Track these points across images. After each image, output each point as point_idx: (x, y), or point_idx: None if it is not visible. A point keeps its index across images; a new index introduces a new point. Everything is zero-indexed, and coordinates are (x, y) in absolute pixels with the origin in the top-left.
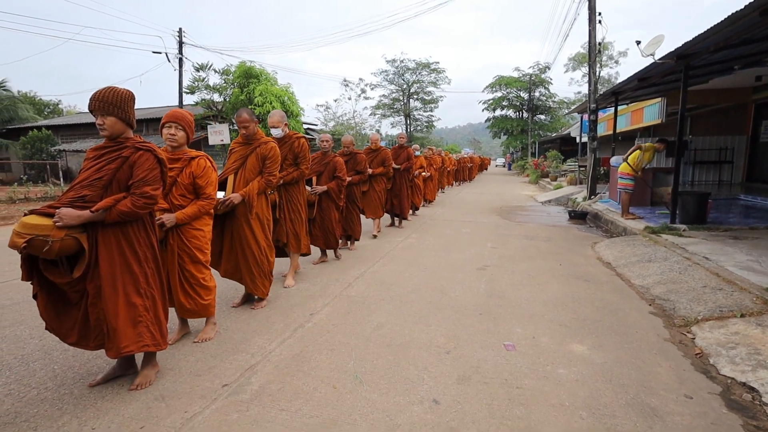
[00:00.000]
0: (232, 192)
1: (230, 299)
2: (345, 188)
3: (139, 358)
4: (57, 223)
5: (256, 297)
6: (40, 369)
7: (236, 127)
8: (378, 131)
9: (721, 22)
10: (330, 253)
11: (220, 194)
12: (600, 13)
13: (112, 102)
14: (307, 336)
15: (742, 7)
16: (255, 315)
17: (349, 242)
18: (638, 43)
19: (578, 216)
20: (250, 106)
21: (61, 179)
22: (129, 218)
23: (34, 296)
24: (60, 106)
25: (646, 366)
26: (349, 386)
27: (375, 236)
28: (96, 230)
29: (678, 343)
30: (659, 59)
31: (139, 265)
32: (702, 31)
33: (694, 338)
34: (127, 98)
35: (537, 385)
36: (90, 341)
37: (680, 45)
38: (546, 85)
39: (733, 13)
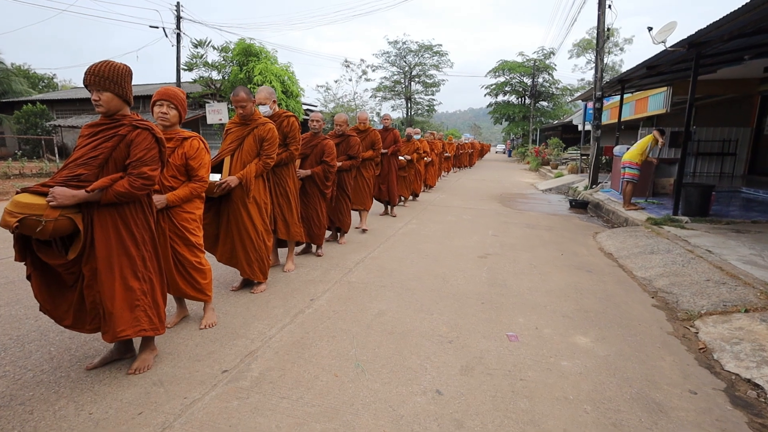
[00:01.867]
0: (229, 174)
1: (229, 282)
2: (334, 175)
3: (137, 341)
4: (51, 203)
5: (255, 281)
6: (36, 350)
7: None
8: (378, 113)
9: (738, 9)
10: (313, 247)
11: (217, 176)
12: None
13: (108, 77)
14: (308, 322)
15: None
16: (254, 299)
17: (339, 234)
18: (650, 29)
19: (579, 205)
20: (249, 85)
21: (57, 155)
22: (126, 199)
23: (28, 277)
24: (55, 80)
25: (650, 360)
26: (351, 375)
27: (365, 230)
28: (92, 211)
29: (681, 337)
30: (670, 47)
31: (137, 247)
32: (716, 19)
33: (697, 332)
34: (125, 73)
35: (541, 378)
36: (86, 324)
37: (693, 33)
38: (550, 71)
39: (750, 1)
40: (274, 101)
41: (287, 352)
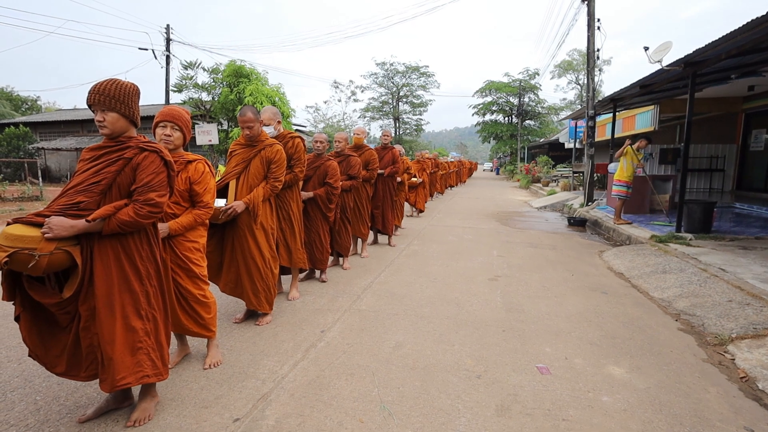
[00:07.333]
0: (234, 199)
1: (231, 314)
2: (337, 197)
3: (136, 387)
4: (46, 235)
5: (260, 312)
6: (20, 401)
7: (224, 128)
8: (368, 133)
9: (736, 29)
10: (316, 272)
11: (222, 202)
12: (599, 19)
13: (114, 96)
14: (322, 357)
15: (764, 13)
16: (261, 332)
17: (341, 259)
18: (646, 49)
19: (578, 223)
20: (239, 107)
21: (40, 178)
22: (131, 228)
23: (16, 318)
24: (39, 102)
25: (693, 392)
26: (378, 420)
27: (363, 257)
28: (91, 242)
29: (718, 365)
30: (667, 66)
31: (140, 282)
32: (716, 38)
33: (733, 359)
34: (132, 92)
35: (584, 417)
36: (81, 371)
37: (690, 52)
38: (535, 91)
39: (752, 20)
40: (279, 122)
41: (304, 394)
